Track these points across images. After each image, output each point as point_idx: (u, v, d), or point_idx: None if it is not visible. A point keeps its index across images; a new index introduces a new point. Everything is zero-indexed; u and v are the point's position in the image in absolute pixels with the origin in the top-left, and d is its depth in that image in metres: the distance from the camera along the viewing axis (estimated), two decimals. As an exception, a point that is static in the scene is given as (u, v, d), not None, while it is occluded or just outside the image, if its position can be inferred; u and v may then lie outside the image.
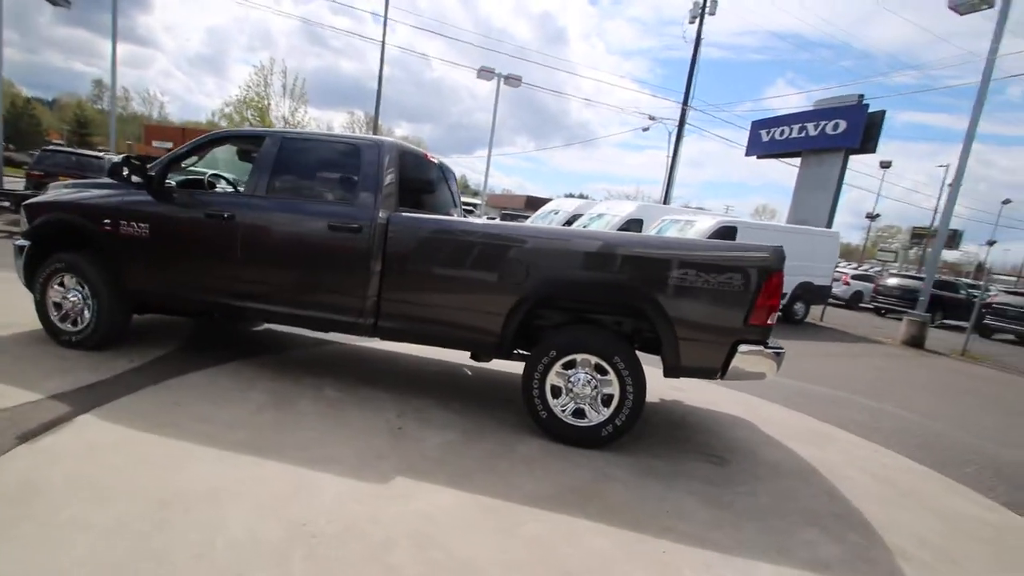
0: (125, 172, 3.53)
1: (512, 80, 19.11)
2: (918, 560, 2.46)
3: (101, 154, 11.69)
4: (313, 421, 3.16)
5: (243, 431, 2.91)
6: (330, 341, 4.90)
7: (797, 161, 22.17)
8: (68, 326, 3.92)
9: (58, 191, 4.13)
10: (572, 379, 3.17)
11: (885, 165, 29.38)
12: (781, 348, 3.02)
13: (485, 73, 18.85)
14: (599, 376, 3.15)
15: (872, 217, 34.66)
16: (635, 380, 3.08)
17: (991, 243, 40.01)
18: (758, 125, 23.52)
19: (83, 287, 3.85)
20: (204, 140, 3.79)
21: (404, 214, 3.40)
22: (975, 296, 19.50)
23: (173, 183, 3.86)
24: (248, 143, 4.11)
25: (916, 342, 10.04)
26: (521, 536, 2.23)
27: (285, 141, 3.62)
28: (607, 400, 3.16)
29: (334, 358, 4.52)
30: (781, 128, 22.21)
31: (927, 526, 2.83)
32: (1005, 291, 16.09)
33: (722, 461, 3.31)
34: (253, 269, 3.55)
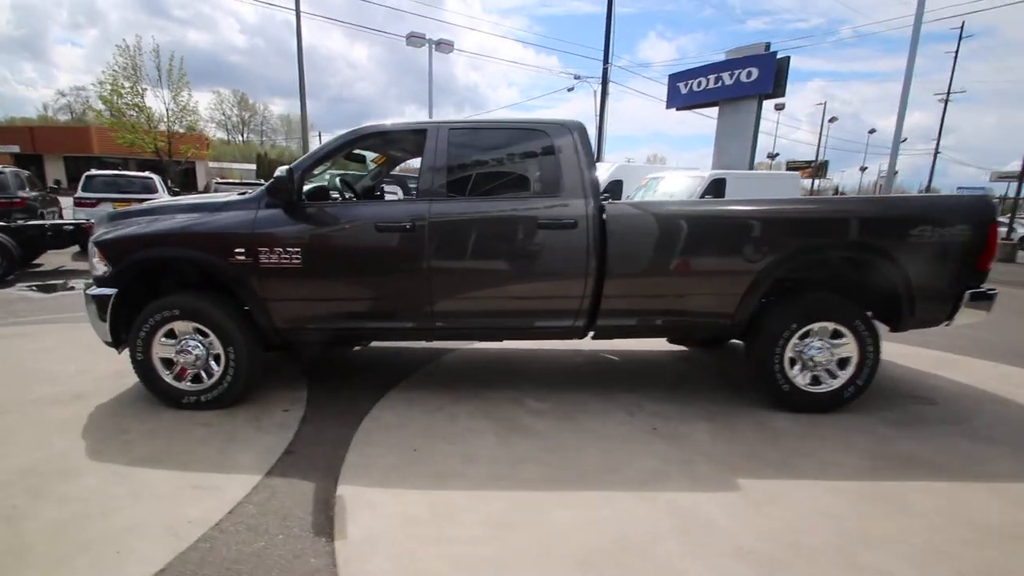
0: (291, 187, 2.84)
1: (444, 46, 18.09)
2: None
3: (1, 168, 9.42)
4: (571, 439, 2.89)
5: (528, 467, 2.59)
6: (448, 349, 4.47)
7: (682, 113, 23.50)
8: (189, 384, 3.21)
9: (124, 221, 3.27)
10: (806, 348, 3.18)
11: (780, 108, 32.22)
12: (994, 290, 3.23)
13: (415, 39, 17.63)
14: (833, 341, 3.18)
15: (772, 156, 38.15)
16: (874, 340, 3.15)
17: (863, 169, 45.90)
18: (675, 78, 24.48)
19: (205, 335, 3.15)
20: (345, 140, 3.15)
21: (617, 202, 3.12)
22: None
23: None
24: (400, 139, 3.49)
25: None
26: (923, 509, 2.23)
27: (453, 133, 3.12)
28: (842, 363, 3.21)
29: (477, 365, 4.13)
30: (698, 79, 23.31)
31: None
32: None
33: (931, 401, 3.53)
34: (446, 283, 3.09)
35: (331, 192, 3.66)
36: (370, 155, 4.13)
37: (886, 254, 3.04)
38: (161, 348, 3.17)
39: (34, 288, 6.90)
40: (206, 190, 13.68)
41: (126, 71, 25.50)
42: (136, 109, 25.75)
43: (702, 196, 9.98)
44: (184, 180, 31.57)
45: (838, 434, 2.97)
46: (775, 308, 3.19)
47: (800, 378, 3.20)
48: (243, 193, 3.19)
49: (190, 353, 3.14)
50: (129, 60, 25.55)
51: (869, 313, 3.25)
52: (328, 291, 3.11)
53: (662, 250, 3.07)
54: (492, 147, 3.19)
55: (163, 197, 10.85)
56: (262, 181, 21.90)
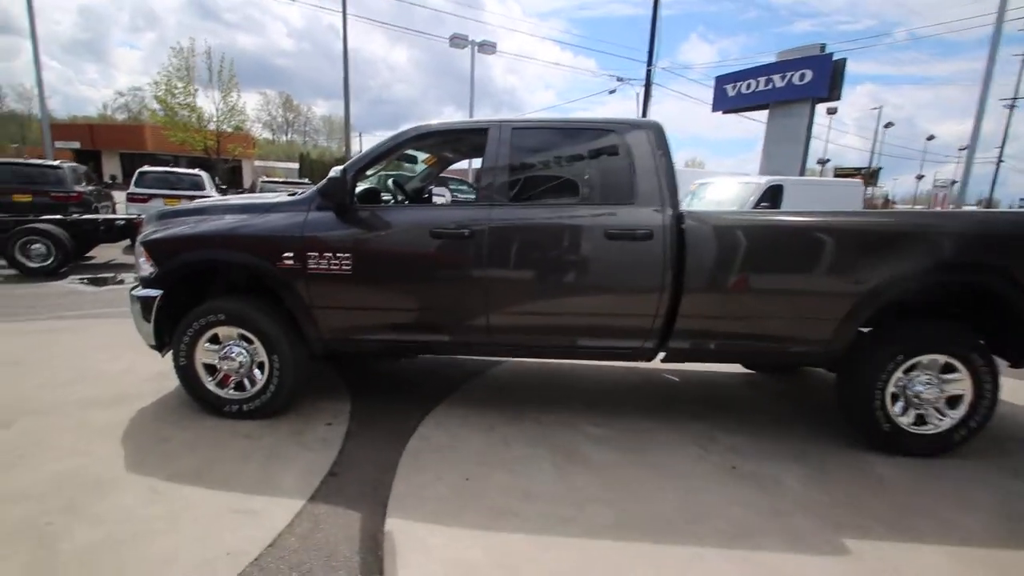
0: (344, 189, 2.66)
1: (487, 47, 17.98)
2: None
3: (58, 163, 9.77)
4: (640, 476, 2.58)
5: (596, 508, 2.30)
6: (495, 361, 4.22)
7: (720, 117, 22.59)
8: (232, 392, 3.06)
9: (173, 220, 3.15)
10: (911, 383, 2.78)
11: (832, 112, 30.84)
12: None
13: (458, 40, 17.59)
14: (943, 376, 2.77)
15: (823, 162, 36.60)
16: (992, 376, 2.73)
17: (920, 177, 43.46)
18: (723, 80, 23.70)
19: (250, 341, 2.99)
20: (401, 139, 2.94)
21: (696, 211, 2.80)
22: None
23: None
24: (458, 139, 3.29)
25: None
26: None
27: (517, 133, 2.87)
28: (952, 402, 2.79)
29: (527, 380, 3.86)
30: (747, 82, 22.47)
31: None
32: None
33: (1054, 447, 3.06)
34: (505, 295, 2.84)
35: (381, 194, 3.47)
36: (420, 155, 3.94)
37: (1012, 276, 2.62)
38: (205, 353, 3.03)
39: (85, 281, 7.03)
40: (252, 188, 13.95)
41: (179, 72, 26.50)
42: (188, 109, 26.71)
43: (757, 204, 9.45)
44: (231, 178, 32.58)
45: (953, 486, 2.56)
46: (878, 336, 2.80)
47: (904, 417, 2.81)
48: (293, 194, 3.02)
49: (234, 360, 2.99)
50: (183, 62, 26.57)
51: (984, 344, 2.83)
52: (378, 300, 2.91)
53: (748, 266, 2.73)
54: (559, 148, 2.93)
55: (211, 194, 11.07)
56: (306, 180, 22.27)
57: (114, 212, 11.45)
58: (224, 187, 13.07)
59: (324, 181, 2.73)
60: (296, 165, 42.12)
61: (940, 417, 2.80)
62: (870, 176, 46.98)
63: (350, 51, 16.39)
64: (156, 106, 27.66)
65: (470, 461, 2.68)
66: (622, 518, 2.23)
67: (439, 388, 3.66)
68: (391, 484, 2.45)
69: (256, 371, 3.04)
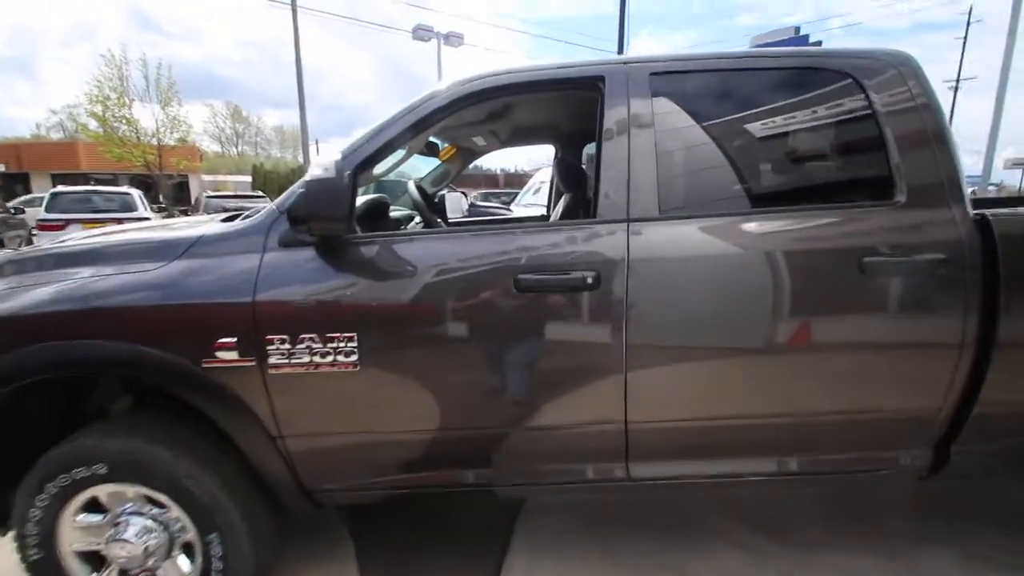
0: (343, 204, 1.25)
1: (453, 39, 16.52)
2: None
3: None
4: None
5: None
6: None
7: None
8: (136, 601, 1.61)
9: (21, 276, 1.67)
10: None
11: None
12: None
13: (422, 32, 16.07)
14: None
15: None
16: None
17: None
18: (696, 68, 22.99)
19: (163, 506, 1.55)
20: (440, 104, 1.49)
21: (1008, 210, 1.53)
22: None
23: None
24: (544, 100, 1.87)
25: None
26: None
27: (659, 83, 1.52)
28: None
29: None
30: (722, 69, 21.80)
31: None
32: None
33: None
34: (661, 391, 1.49)
35: (391, 210, 2.07)
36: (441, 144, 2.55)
37: None
38: (77, 534, 1.57)
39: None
40: (195, 206, 12.11)
41: (111, 82, 23.98)
42: (124, 121, 24.19)
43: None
44: (178, 195, 30.06)
45: None
46: None
47: None
48: (236, 215, 1.60)
49: (133, 543, 1.54)
50: (115, 70, 24.06)
51: None
52: (413, 415, 1.50)
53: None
54: (738, 110, 1.58)
55: (146, 215, 9.28)
56: (259, 193, 19.87)
57: (29, 243, 9.53)
58: (164, 205, 11.13)
59: (297, 190, 1.31)
60: (249, 178, 39.50)
61: None
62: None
63: (301, 58, 14.61)
64: (91, 122, 25.03)
65: None
66: None
67: (481, 517, 2.26)
68: None
69: (181, 559, 1.60)
